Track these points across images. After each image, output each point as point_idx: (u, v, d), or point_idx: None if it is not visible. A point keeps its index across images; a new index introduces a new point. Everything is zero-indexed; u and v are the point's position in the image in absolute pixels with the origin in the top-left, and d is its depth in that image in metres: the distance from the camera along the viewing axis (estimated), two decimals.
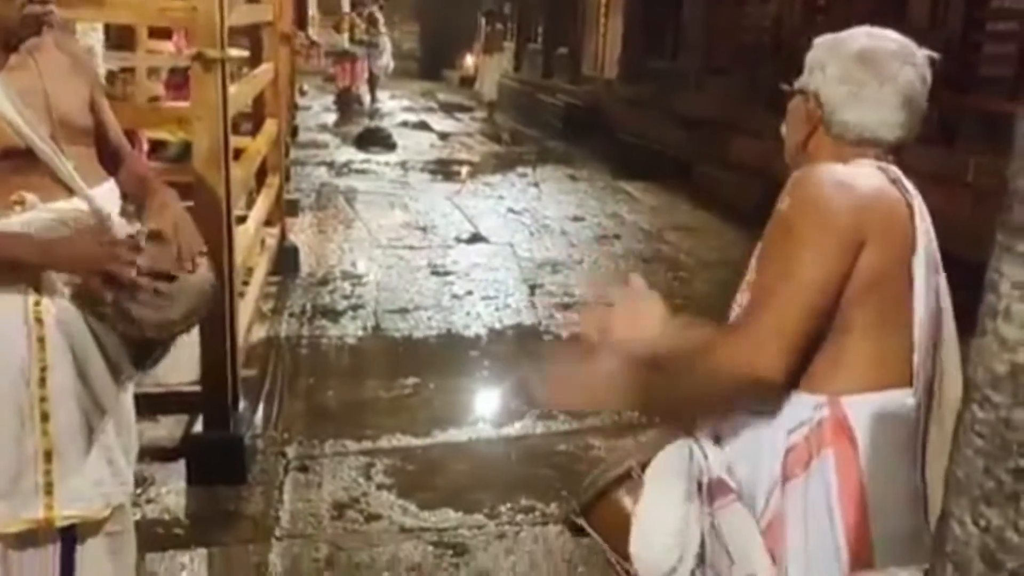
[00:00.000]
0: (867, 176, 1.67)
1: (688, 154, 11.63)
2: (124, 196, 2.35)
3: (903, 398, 1.66)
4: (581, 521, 1.95)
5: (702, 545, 1.70)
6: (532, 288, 6.75)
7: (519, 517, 3.67)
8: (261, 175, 6.13)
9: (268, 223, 5.99)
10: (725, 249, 7.95)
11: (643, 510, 1.76)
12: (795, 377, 1.61)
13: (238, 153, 4.37)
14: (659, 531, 1.72)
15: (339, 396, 4.74)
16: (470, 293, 6.57)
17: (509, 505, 3.75)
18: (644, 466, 1.84)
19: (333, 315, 5.98)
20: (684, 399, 1.66)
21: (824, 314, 1.59)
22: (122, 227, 2.24)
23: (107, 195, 2.26)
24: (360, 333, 5.68)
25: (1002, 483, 0.79)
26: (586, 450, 4.25)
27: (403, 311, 6.13)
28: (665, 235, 8.70)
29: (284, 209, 6.83)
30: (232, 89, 3.62)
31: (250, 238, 4.82)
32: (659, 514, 1.73)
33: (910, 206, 1.68)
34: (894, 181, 1.70)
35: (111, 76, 5.74)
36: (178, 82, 6.53)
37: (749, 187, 9.10)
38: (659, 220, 9.36)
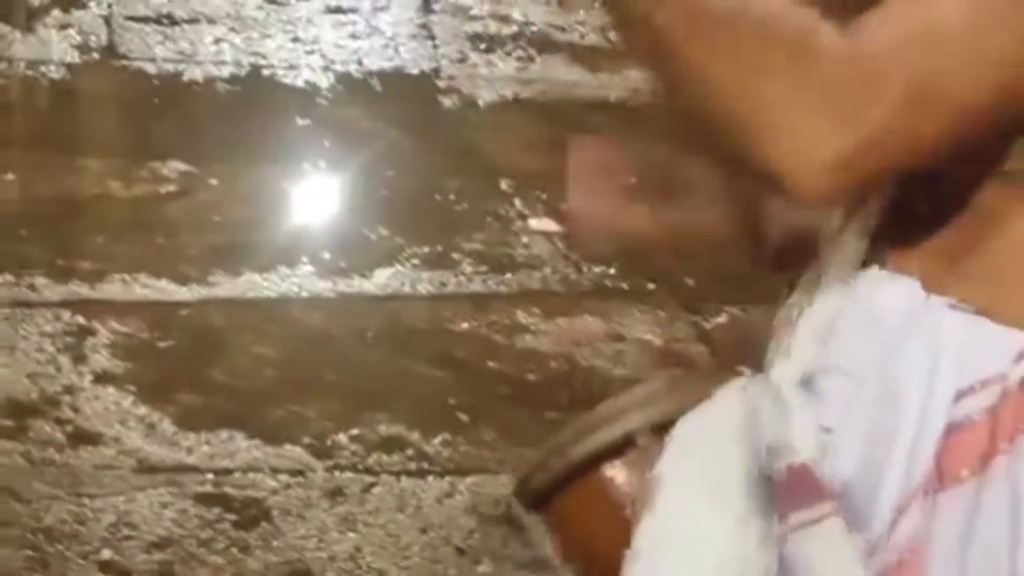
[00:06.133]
0: None
1: None
2: None
3: None
4: (527, 516, 1.47)
5: None
6: None
7: (373, 459, 2.51)
8: None
9: None
10: None
11: (654, 528, 1.16)
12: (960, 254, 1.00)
13: None
14: (684, 571, 1.15)
15: (23, 187, 3.08)
16: None
17: (355, 432, 2.55)
18: (662, 428, 1.20)
19: (25, 18, 4.31)
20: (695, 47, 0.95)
21: None
22: None
23: None
24: (74, 59, 3.98)
25: None
26: (514, 334, 2.77)
27: (163, 22, 4.27)
28: None
29: None
30: None
31: None
32: (686, 540, 1.15)
33: None
34: None
35: None
36: None
37: None
38: None
